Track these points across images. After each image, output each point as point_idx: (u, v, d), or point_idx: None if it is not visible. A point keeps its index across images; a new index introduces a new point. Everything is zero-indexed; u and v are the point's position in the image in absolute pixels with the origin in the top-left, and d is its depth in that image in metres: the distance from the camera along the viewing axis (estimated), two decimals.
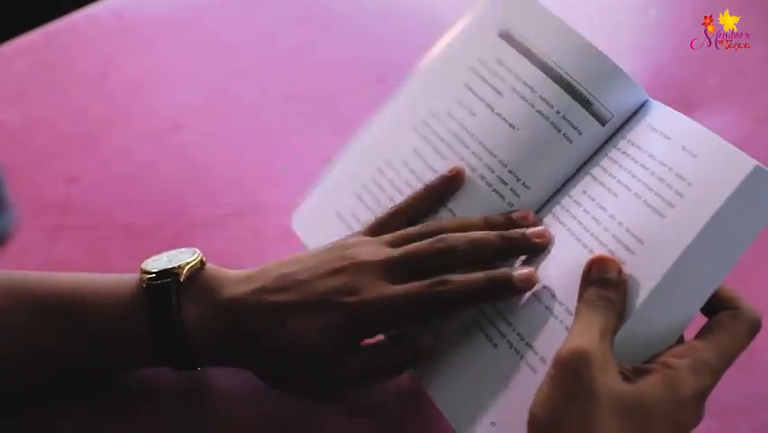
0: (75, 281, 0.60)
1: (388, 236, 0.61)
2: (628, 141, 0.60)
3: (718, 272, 0.54)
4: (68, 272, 0.61)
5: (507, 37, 0.65)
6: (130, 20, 1.00)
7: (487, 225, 0.60)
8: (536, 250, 0.59)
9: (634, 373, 0.51)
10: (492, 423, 0.55)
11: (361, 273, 0.58)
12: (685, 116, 0.59)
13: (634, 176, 0.58)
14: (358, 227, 0.64)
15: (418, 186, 0.64)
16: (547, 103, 0.62)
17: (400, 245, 0.60)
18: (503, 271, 0.58)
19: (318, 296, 0.57)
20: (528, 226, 0.59)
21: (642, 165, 0.58)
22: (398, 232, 0.61)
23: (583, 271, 0.54)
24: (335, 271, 0.58)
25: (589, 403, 0.48)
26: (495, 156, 0.62)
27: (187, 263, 0.59)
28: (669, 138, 0.58)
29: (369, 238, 0.61)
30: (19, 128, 0.87)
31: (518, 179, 0.62)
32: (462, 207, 0.63)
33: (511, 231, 0.59)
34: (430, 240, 0.59)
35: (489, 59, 0.65)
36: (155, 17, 1.01)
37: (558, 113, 0.61)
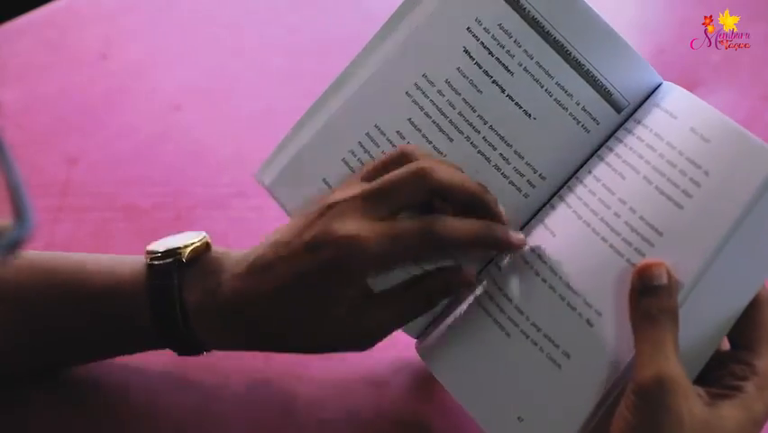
0: (83, 259, 0.61)
1: (362, 173, 0.58)
2: (635, 120, 0.59)
3: (760, 272, 0.52)
4: (75, 252, 0.62)
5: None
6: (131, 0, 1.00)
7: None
8: (506, 241, 0.57)
9: (708, 395, 0.50)
10: (519, 418, 0.54)
11: (337, 212, 0.56)
12: (690, 93, 0.57)
13: (641, 156, 0.56)
14: None
15: None
16: (566, 92, 0.59)
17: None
18: (497, 224, 0.57)
19: (303, 245, 0.56)
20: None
21: (648, 144, 0.56)
22: (372, 164, 0.59)
23: (632, 279, 0.52)
24: (313, 220, 0.56)
25: (677, 431, 0.48)
26: (511, 146, 0.60)
27: (192, 244, 0.59)
28: (675, 117, 0.56)
29: (344, 183, 0.59)
30: (20, 108, 0.86)
31: (535, 171, 0.60)
32: None
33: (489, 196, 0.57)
34: (406, 166, 0.56)
35: (488, 21, 0.60)
36: None
37: (578, 104, 0.59)
